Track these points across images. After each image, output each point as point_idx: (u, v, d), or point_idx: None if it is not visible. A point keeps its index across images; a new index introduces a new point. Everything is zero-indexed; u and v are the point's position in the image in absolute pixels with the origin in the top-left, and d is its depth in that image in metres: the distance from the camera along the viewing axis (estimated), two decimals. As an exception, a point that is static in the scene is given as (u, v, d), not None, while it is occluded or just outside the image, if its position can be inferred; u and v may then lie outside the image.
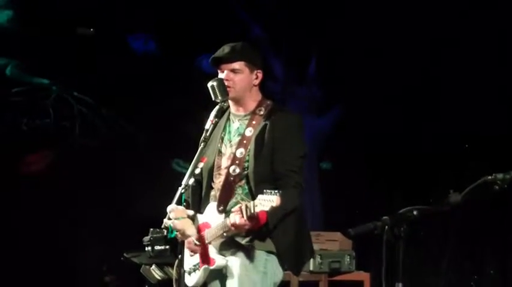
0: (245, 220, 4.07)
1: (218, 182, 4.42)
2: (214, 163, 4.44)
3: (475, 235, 8.20)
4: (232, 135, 4.46)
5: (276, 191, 4.02)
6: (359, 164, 8.43)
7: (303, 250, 4.44)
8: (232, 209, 4.15)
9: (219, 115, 4.45)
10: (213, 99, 4.44)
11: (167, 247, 4.51)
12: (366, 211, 8.05)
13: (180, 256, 4.38)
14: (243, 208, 4.04)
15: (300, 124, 4.43)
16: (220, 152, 4.46)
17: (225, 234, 4.26)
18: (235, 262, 4.32)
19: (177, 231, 4.24)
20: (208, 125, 4.43)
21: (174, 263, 4.45)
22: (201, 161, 4.31)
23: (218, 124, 4.51)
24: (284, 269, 4.38)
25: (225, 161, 4.42)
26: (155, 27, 8.79)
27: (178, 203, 4.21)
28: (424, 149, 8.19)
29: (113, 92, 8.51)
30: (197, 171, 4.28)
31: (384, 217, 3.54)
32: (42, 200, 8.25)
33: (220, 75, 4.44)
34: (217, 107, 4.45)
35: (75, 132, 8.69)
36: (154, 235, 4.49)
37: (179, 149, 8.12)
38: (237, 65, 4.41)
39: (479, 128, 7.84)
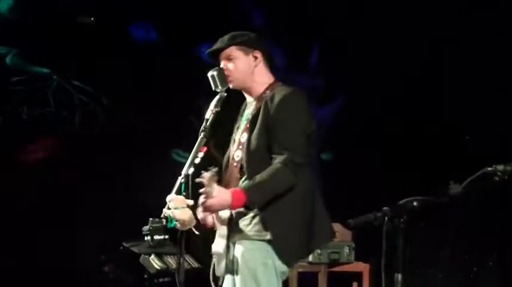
0: (209, 190, 4.10)
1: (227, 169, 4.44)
2: (229, 153, 4.46)
3: (474, 226, 8.19)
4: (242, 122, 4.46)
5: (212, 167, 4.05)
6: (360, 155, 8.41)
7: (311, 234, 4.29)
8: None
9: (219, 104, 4.44)
10: (213, 89, 4.44)
11: (166, 236, 4.52)
12: (366, 202, 8.05)
13: (180, 245, 4.38)
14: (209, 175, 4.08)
15: (296, 98, 4.31)
16: (234, 141, 4.47)
17: (220, 218, 4.33)
18: (237, 253, 4.31)
19: (176, 221, 4.23)
20: (208, 114, 4.41)
21: (173, 253, 4.46)
22: (201, 151, 4.30)
23: (239, 114, 4.52)
24: (283, 256, 4.27)
25: (233, 148, 4.44)
26: (156, 16, 8.77)
27: (178, 192, 4.20)
28: (426, 141, 8.18)
29: (114, 81, 8.49)
30: (197, 161, 4.27)
31: (384, 208, 3.54)
32: (41, 189, 8.25)
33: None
34: (217, 96, 4.44)
35: (75, 122, 8.68)
36: (154, 225, 4.50)
37: (179, 139, 8.12)
38: (228, 51, 4.41)
39: (479, 128, 7.83)
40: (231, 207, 4.18)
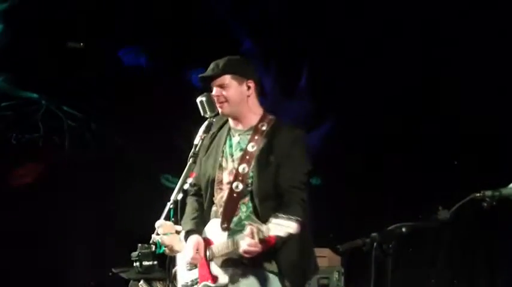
0: (256, 243, 4.03)
1: (220, 197, 4.39)
2: (215, 177, 4.42)
3: (464, 250, 8.19)
4: (233, 149, 4.43)
5: (295, 217, 3.98)
6: (349, 180, 8.41)
7: (306, 268, 4.41)
8: (245, 233, 4.08)
9: (208, 130, 4.44)
10: (202, 114, 4.43)
11: (155, 262, 4.49)
12: (354, 227, 8.03)
13: (169, 271, 4.36)
14: (255, 230, 4.00)
15: (304, 140, 4.43)
16: (221, 166, 4.43)
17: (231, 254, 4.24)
18: (241, 284, 4.29)
19: (165, 246, 4.22)
20: (197, 140, 4.41)
21: (162, 279, 4.43)
22: (190, 177, 4.29)
23: (216, 137, 4.49)
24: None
25: (226, 176, 4.39)
26: (146, 41, 8.79)
27: (167, 218, 4.19)
28: (414, 165, 8.18)
29: (103, 106, 8.49)
30: (186, 186, 4.26)
31: (373, 234, 3.54)
32: (30, 213, 8.21)
33: (213, 93, 4.44)
34: (206, 122, 4.44)
35: (64, 147, 8.67)
36: (143, 251, 4.47)
37: (168, 164, 8.10)
38: (223, 79, 4.40)
39: (479, 128, 7.83)
40: (263, 250, 4.16)
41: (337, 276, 6.99)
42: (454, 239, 8.08)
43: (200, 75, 4.47)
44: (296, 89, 9.04)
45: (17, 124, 8.56)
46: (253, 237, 4.00)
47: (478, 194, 3.52)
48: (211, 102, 4.39)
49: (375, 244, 3.51)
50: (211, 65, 4.44)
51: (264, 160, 4.32)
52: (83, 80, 8.42)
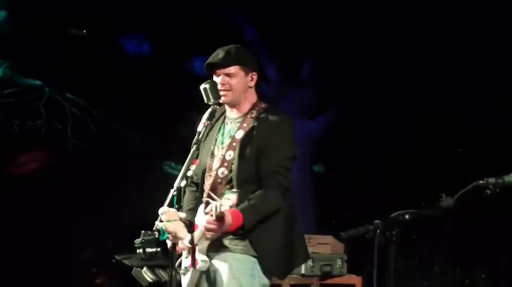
0: (212, 220, 4.05)
1: (208, 184, 4.41)
2: (207, 165, 4.43)
3: (466, 238, 8.20)
4: (224, 137, 4.45)
5: (236, 190, 4.04)
6: (351, 167, 8.42)
7: (291, 254, 4.37)
8: (205, 210, 4.12)
9: (212, 117, 4.44)
10: (206, 101, 4.43)
11: (158, 249, 4.49)
12: (358, 214, 8.05)
13: (172, 258, 4.36)
14: (213, 207, 4.02)
15: (288, 125, 4.38)
16: (213, 154, 4.45)
17: (208, 235, 4.25)
18: (222, 266, 4.31)
19: (168, 233, 4.22)
20: (200, 127, 4.41)
21: (165, 266, 4.43)
22: (193, 164, 4.29)
23: (214, 126, 4.50)
24: (267, 273, 4.32)
25: (215, 163, 4.41)
26: (149, 29, 8.78)
27: (170, 205, 4.19)
28: (418, 151, 8.19)
29: (105, 93, 8.49)
30: (189, 173, 4.26)
31: (376, 221, 3.53)
32: (33, 201, 8.23)
33: (216, 79, 4.43)
34: (209, 109, 4.43)
35: (67, 134, 8.67)
36: (146, 237, 4.47)
37: (171, 151, 8.12)
38: (232, 69, 4.40)
39: (479, 128, 7.84)
40: (230, 228, 4.18)
41: (340, 263, 6.99)
42: (457, 226, 8.09)
43: (209, 61, 4.46)
44: (299, 77, 9.05)
45: (19, 111, 8.56)
46: (212, 215, 4.03)
47: (482, 182, 3.51)
48: (214, 89, 4.39)
49: (377, 231, 3.50)
50: (221, 53, 4.42)
51: (245, 144, 4.32)
52: (86, 68, 8.42)
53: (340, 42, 8.32)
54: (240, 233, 4.25)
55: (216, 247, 4.32)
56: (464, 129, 7.94)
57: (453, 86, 8.03)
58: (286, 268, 4.41)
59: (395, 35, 8.11)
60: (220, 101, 4.44)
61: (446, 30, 7.93)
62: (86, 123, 8.71)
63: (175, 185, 4.18)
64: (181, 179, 4.20)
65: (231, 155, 4.34)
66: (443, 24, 7.93)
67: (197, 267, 4.33)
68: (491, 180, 3.51)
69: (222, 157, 4.37)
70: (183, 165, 4.28)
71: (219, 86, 4.39)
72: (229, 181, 4.33)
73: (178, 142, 5.34)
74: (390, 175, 8.29)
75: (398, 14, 8.07)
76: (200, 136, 4.37)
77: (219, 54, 4.41)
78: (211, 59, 4.43)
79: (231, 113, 4.48)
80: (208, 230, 4.16)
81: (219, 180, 4.34)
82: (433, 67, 8.08)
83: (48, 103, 8.66)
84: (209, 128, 4.46)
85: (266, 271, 4.30)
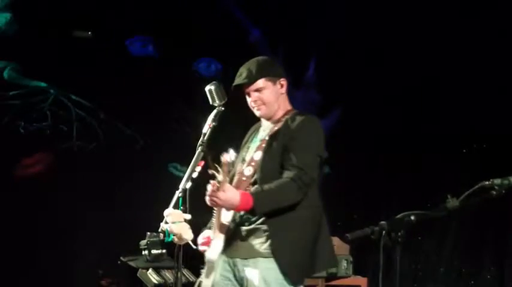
0: (214, 191, 4.12)
1: (233, 183, 4.43)
2: (237, 170, 4.47)
3: (472, 239, 8.19)
4: (255, 142, 4.50)
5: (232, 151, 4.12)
6: (357, 168, 8.41)
7: (316, 256, 4.36)
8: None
9: (216, 119, 4.45)
10: (211, 103, 4.44)
11: (164, 251, 4.51)
12: (363, 216, 8.04)
13: (177, 260, 4.37)
14: (219, 177, 4.09)
15: (314, 125, 4.43)
16: (244, 160, 4.48)
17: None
18: (251, 270, 4.31)
19: (173, 235, 4.23)
20: (205, 129, 4.41)
21: (170, 267, 4.43)
22: (199, 165, 4.30)
23: (249, 138, 4.56)
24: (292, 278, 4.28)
25: (244, 165, 4.45)
26: (154, 31, 8.79)
27: (176, 207, 4.20)
28: (423, 151, 8.19)
29: (111, 95, 8.50)
30: (194, 175, 4.27)
31: (381, 222, 3.53)
32: (39, 203, 8.23)
33: (248, 99, 4.46)
34: (214, 111, 4.45)
35: (72, 136, 8.68)
36: (151, 239, 4.49)
37: (176, 153, 8.11)
38: (259, 83, 4.44)
39: (479, 128, 7.83)
40: (237, 208, 4.20)
41: (345, 264, 6.99)
42: (463, 227, 8.08)
43: (235, 83, 4.48)
44: (303, 79, 9.04)
45: (25, 113, 8.56)
46: (214, 185, 4.09)
47: (487, 183, 3.51)
48: (219, 91, 4.41)
49: (383, 232, 3.51)
50: (244, 72, 4.45)
51: (271, 143, 4.36)
52: (91, 69, 8.42)
53: (341, 42, 8.33)
54: (258, 222, 4.23)
55: (248, 250, 4.33)
56: (471, 129, 7.94)
57: (453, 86, 8.02)
58: (309, 270, 4.38)
59: (395, 35, 8.11)
60: (257, 115, 4.48)
61: (447, 30, 7.93)
62: (92, 125, 8.71)
63: (181, 186, 4.20)
64: (187, 180, 4.21)
65: (258, 155, 4.38)
66: (444, 24, 7.93)
67: (212, 257, 4.34)
68: (497, 181, 3.51)
69: (250, 158, 4.41)
70: (188, 167, 4.29)
71: (251, 104, 4.43)
72: (255, 181, 4.35)
73: (184, 144, 5.33)
74: (397, 176, 8.29)
75: (398, 14, 8.07)
76: (205, 138, 4.38)
77: (242, 73, 4.45)
78: (237, 80, 4.48)
79: (266, 122, 4.52)
80: (210, 202, 4.16)
81: (244, 178, 4.37)
82: (433, 67, 8.07)
83: (53, 105, 8.66)
84: (211, 131, 4.46)
85: (288, 274, 4.28)
